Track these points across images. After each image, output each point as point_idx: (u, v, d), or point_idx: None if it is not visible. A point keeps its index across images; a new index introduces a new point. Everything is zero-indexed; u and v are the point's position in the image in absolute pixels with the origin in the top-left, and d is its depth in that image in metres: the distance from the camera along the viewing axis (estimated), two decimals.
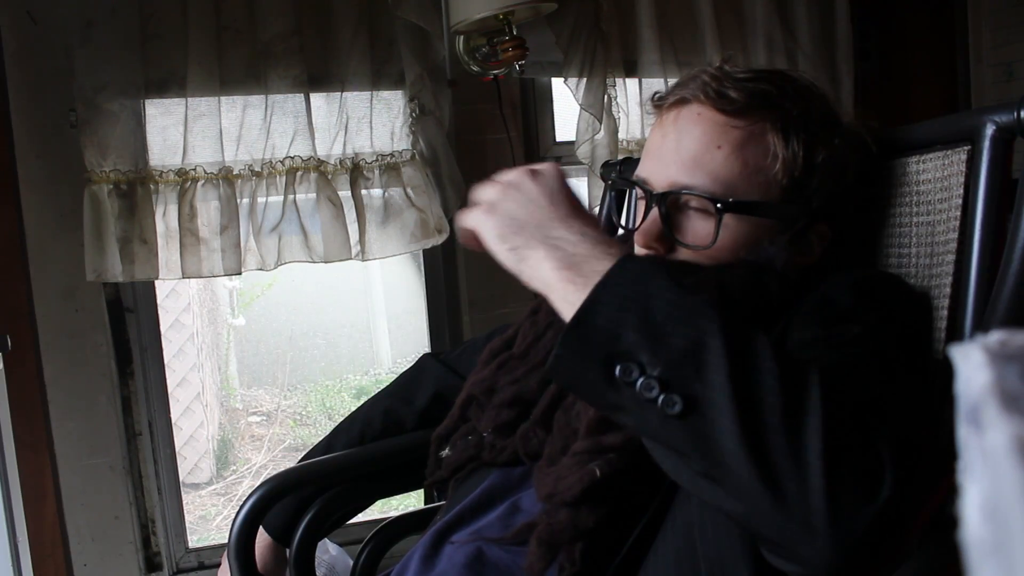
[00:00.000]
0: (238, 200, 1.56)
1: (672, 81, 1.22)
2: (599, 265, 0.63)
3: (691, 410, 0.55)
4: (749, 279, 0.76)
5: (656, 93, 0.87)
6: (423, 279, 1.92)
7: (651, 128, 0.87)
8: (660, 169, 0.81)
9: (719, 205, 0.77)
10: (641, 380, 0.56)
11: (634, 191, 0.87)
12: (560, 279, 0.64)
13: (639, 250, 0.84)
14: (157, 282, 1.65)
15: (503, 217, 0.69)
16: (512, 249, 0.68)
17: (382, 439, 1.06)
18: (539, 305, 0.88)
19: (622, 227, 1.14)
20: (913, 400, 0.67)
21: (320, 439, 1.09)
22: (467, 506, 0.87)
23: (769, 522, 0.55)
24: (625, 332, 0.58)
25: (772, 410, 0.54)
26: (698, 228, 0.80)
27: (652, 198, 0.81)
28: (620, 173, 1.22)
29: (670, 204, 0.80)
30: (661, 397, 0.56)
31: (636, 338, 0.57)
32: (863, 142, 0.87)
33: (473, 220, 0.71)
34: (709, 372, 0.55)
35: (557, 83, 1.91)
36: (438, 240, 1.68)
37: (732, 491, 0.55)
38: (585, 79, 1.75)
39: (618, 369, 0.57)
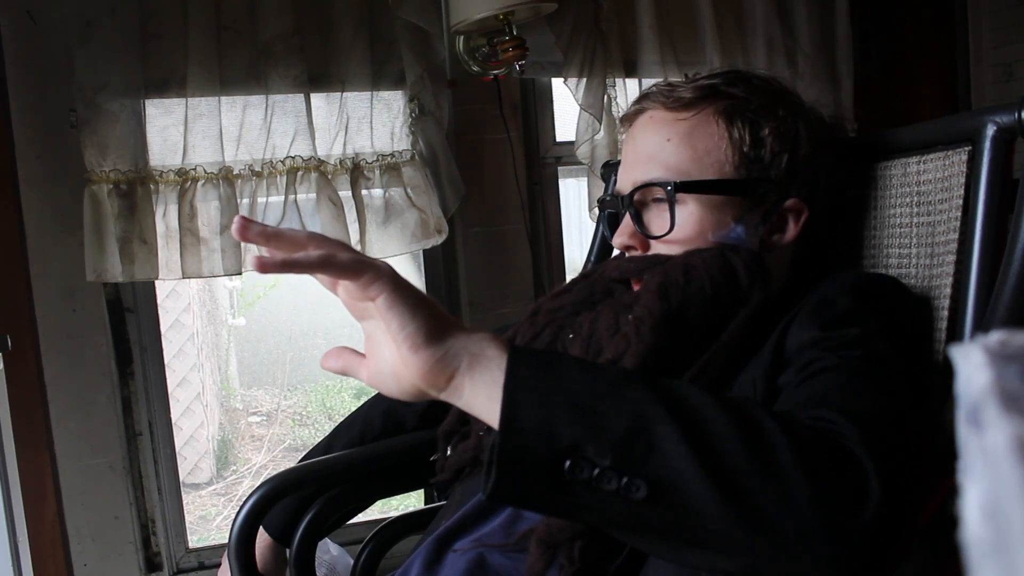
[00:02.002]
0: (238, 200, 1.56)
1: None
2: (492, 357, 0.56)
3: (658, 489, 0.51)
4: (713, 258, 0.78)
5: (622, 116, 0.93)
6: (423, 279, 1.92)
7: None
8: (626, 174, 0.87)
9: (668, 187, 0.81)
10: (595, 473, 0.51)
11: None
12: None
13: (617, 255, 0.86)
14: (157, 282, 1.65)
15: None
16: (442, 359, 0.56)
17: (382, 439, 1.06)
18: (538, 307, 0.89)
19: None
20: (908, 402, 0.67)
21: (320, 439, 1.09)
22: (468, 513, 0.87)
23: (773, 564, 0.54)
24: (560, 428, 0.52)
25: (738, 457, 0.52)
26: (663, 217, 0.84)
27: (621, 201, 0.87)
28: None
29: (637, 203, 0.86)
30: (622, 485, 0.51)
31: (574, 431, 0.52)
32: (813, 112, 0.90)
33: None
34: (662, 443, 0.52)
35: (557, 83, 1.91)
36: (438, 240, 1.68)
37: (726, 550, 0.54)
38: (585, 79, 1.75)
39: (567, 470, 0.51)
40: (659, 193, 0.83)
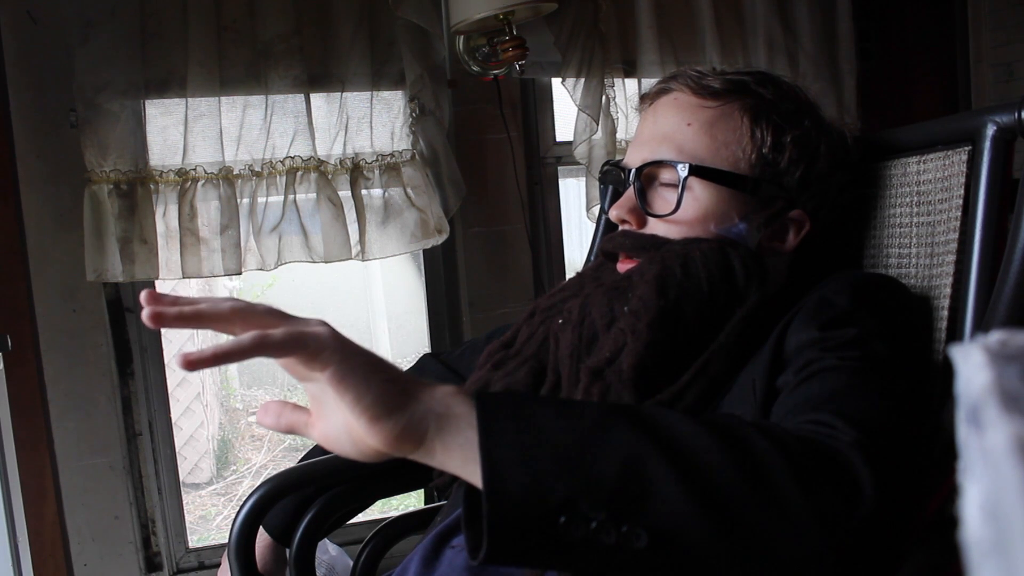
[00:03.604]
0: (238, 200, 1.56)
1: None
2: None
3: (658, 535, 0.49)
4: (713, 253, 0.78)
5: (644, 93, 0.92)
6: (423, 279, 1.92)
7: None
8: (637, 150, 0.86)
9: (682, 168, 0.81)
10: (593, 527, 0.49)
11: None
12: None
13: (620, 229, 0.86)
14: (157, 282, 1.65)
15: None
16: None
17: None
18: (535, 307, 0.89)
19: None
20: (907, 403, 0.67)
21: None
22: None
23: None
24: (549, 485, 0.49)
25: (734, 487, 0.51)
26: (668, 198, 0.83)
27: (627, 175, 0.86)
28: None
29: (644, 179, 0.85)
30: (622, 535, 0.49)
31: (565, 486, 0.49)
32: (837, 130, 0.89)
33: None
34: (656, 486, 0.50)
35: (557, 83, 1.91)
36: (438, 240, 1.68)
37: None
38: (583, 80, 1.75)
39: (561, 526, 0.48)
40: (669, 172, 0.83)
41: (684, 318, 0.76)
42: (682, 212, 0.81)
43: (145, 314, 0.48)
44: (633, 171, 0.85)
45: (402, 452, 0.52)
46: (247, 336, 0.48)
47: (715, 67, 0.90)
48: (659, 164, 0.83)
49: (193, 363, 0.46)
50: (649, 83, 1.82)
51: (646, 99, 0.90)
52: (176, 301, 0.49)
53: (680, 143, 0.82)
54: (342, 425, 0.52)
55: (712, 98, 0.83)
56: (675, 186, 0.82)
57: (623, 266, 0.85)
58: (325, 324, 0.51)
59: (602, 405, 0.57)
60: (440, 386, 0.53)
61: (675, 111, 0.84)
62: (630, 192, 0.85)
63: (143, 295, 0.49)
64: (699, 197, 0.82)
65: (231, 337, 0.50)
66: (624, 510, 0.49)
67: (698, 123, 0.83)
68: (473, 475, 0.50)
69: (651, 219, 0.84)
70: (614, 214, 0.86)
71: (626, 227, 0.86)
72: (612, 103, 1.78)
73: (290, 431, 0.54)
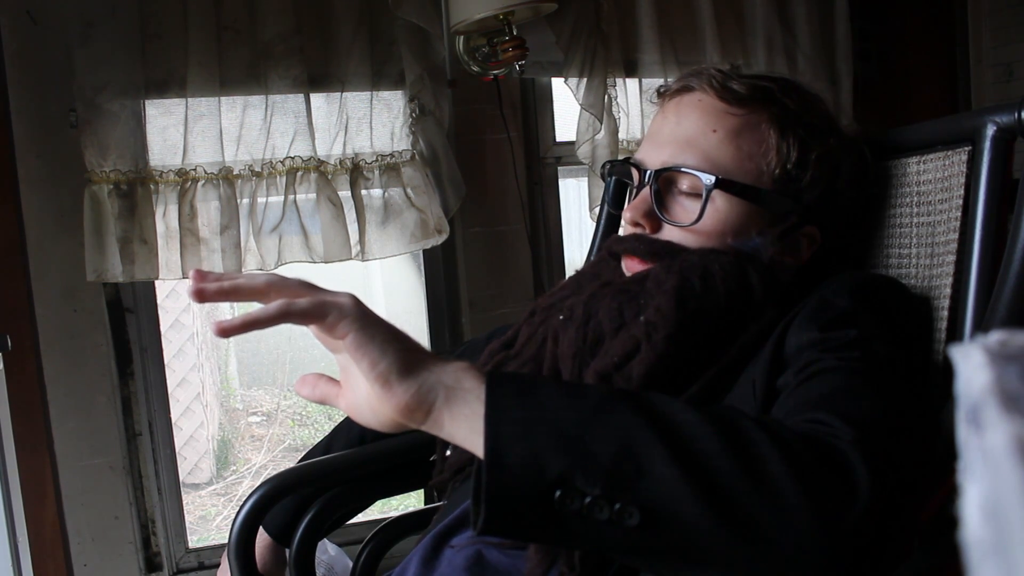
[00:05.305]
0: (238, 200, 1.56)
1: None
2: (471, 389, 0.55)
3: (651, 514, 0.51)
4: (732, 267, 0.77)
5: (661, 85, 0.89)
6: (423, 279, 1.92)
7: (653, 116, 0.89)
8: (656, 150, 0.83)
9: (707, 180, 0.79)
10: (587, 502, 0.50)
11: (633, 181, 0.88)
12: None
13: (626, 228, 0.85)
14: (157, 282, 1.65)
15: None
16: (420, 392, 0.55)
17: (382, 439, 1.06)
18: (535, 307, 0.88)
19: (615, 213, 1.15)
20: (907, 403, 0.67)
21: (320, 439, 1.09)
22: (467, 509, 0.86)
23: (772, 571, 0.54)
24: (547, 460, 0.51)
25: (729, 474, 0.52)
26: (687, 206, 0.81)
27: (645, 175, 0.83)
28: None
29: (662, 183, 0.82)
30: (615, 512, 0.51)
31: (562, 461, 0.51)
32: (859, 148, 0.88)
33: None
34: (651, 466, 0.51)
35: (557, 83, 1.91)
36: (438, 240, 1.68)
37: (724, 565, 0.54)
38: (585, 79, 1.75)
39: (557, 500, 0.51)
40: (691, 180, 0.80)
41: (699, 331, 0.75)
42: (702, 223, 0.80)
43: (189, 289, 0.53)
44: (651, 173, 0.82)
45: (413, 420, 0.55)
46: (274, 304, 0.53)
47: (732, 64, 0.88)
48: (682, 171, 0.80)
49: (226, 330, 0.51)
50: (650, 83, 1.84)
51: (665, 95, 0.87)
52: (220, 278, 0.54)
53: (705, 150, 0.80)
54: (364, 396, 0.56)
55: (738, 105, 0.81)
56: (696, 195, 0.80)
57: (631, 265, 0.83)
58: (352, 296, 0.55)
59: (606, 389, 0.58)
60: (454, 361, 0.56)
61: (699, 114, 0.82)
62: (645, 194, 0.82)
63: (193, 273, 0.53)
64: (720, 209, 0.80)
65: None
66: (618, 488, 0.51)
67: (723, 131, 0.80)
68: (477, 447, 0.53)
69: (666, 226, 0.82)
70: (628, 216, 0.83)
71: (638, 231, 0.84)
72: (614, 103, 1.78)
73: (322, 401, 0.59)
